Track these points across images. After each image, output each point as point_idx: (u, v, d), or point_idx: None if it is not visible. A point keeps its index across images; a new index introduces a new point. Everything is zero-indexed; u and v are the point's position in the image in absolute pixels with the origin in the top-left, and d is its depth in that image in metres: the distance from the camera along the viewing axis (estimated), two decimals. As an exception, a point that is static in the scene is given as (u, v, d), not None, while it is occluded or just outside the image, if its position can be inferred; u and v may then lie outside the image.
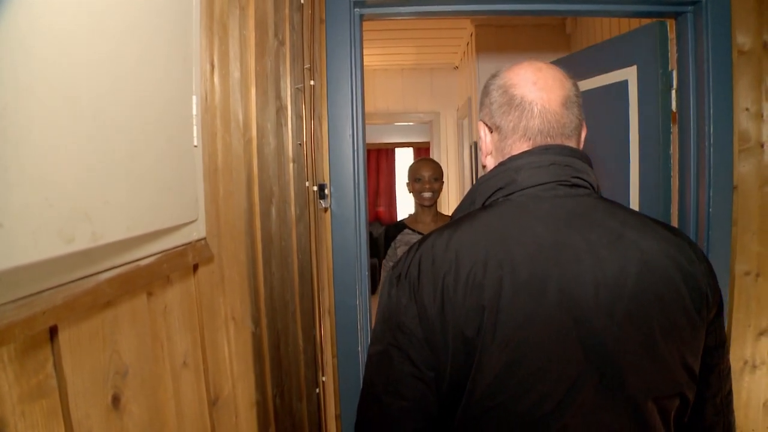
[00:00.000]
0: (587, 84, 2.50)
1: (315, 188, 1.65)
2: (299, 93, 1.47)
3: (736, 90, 1.85)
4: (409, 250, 0.88)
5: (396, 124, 6.76)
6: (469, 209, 0.94)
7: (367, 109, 5.36)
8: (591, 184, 0.90)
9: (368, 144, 7.52)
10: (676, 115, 2.02)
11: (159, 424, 0.64)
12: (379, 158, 8.68)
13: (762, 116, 1.88)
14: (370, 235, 7.74)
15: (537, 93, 0.90)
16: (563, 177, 0.88)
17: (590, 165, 0.93)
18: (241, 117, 1.00)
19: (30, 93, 0.40)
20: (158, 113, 0.62)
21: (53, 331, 0.47)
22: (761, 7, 1.85)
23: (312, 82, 1.63)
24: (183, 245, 0.71)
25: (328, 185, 1.79)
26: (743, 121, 1.87)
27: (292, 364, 1.31)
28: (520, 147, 0.92)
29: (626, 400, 0.78)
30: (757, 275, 1.91)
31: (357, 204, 1.84)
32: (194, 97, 0.72)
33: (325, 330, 1.79)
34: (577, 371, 0.77)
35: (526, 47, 3.82)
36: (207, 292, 0.81)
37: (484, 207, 0.91)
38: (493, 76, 0.98)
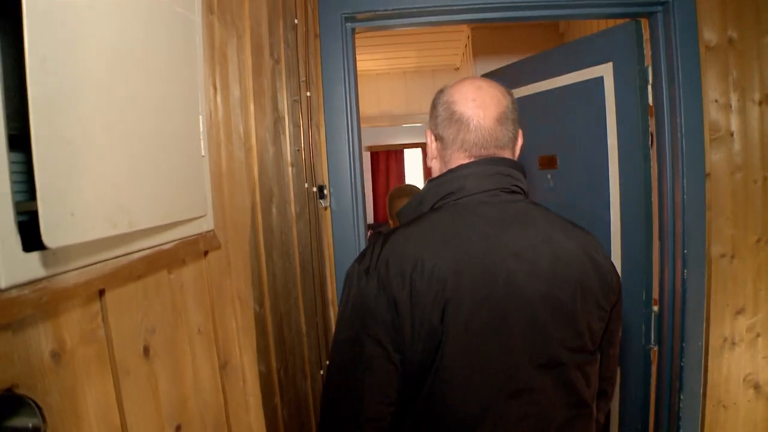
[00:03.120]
0: (564, 80, 2.61)
1: (315, 189, 1.83)
2: (296, 104, 1.65)
3: (705, 83, 1.99)
4: (374, 246, 0.99)
5: (402, 126, 6.93)
6: (417, 210, 1.10)
7: (371, 112, 5.54)
8: (524, 191, 1.09)
9: (376, 146, 7.64)
10: (653, 108, 2.16)
11: (179, 374, 0.82)
12: (389, 159, 8.85)
13: (730, 107, 2.02)
14: (379, 234, 7.85)
15: (474, 110, 1.05)
16: (505, 185, 1.05)
17: (524, 174, 1.10)
18: (242, 129, 1.17)
19: (89, 127, 0.58)
20: (173, 131, 0.80)
21: (101, 293, 0.65)
22: (725, 5, 1.99)
23: (308, 94, 1.80)
24: (195, 235, 0.88)
25: (327, 186, 1.96)
26: (713, 112, 2.01)
27: (296, 345, 1.48)
28: (459, 156, 1.08)
29: (554, 359, 0.97)
30: (732, 257, 2.04)
31: (354, 202, 2.01)
32: (200, 116, 0.90)
33: (329, 319, 1.96)
34: (522, 344, 0.95)
35: (521, 46, 3.96)
36: (216, 275, 0.99)
37: (434, 209, 1.05)
38: (441, 91, 1.13)
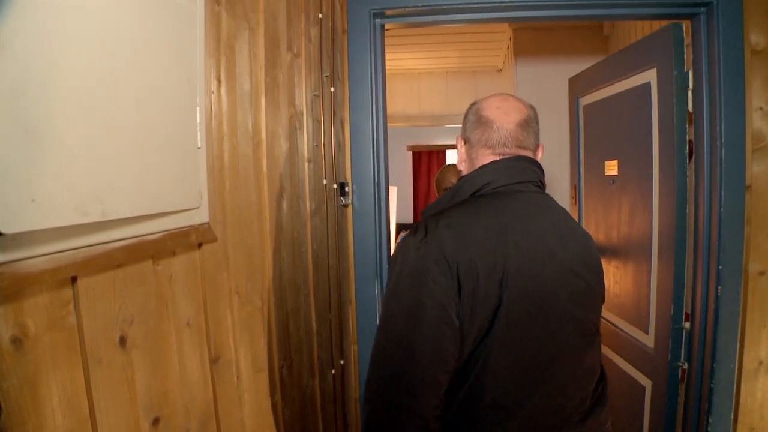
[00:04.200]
0: (614, 88, 2.55)
1: (335, 186, 1.82)
2: (317, 99, 1.64)
3: (749, 90, 1.87)
4: (427, 222, 1.07)
5: (445, 126, 6.87)
6: (452, 201, 1.19)
7: (411, 111, 5.51)
8: (544, 185, 1.24)
9: (419, 146, 7.56)
10: (692, 115, 2.05)
11: (161, 366, 0.82)
12: (431, 160, 8.81)
13: (777, 115, 1.89)
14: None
15: (498, 114, 1.23)
16: (533, 178, 1.20)
17: (543, 172, 1.25)
18: (250, 123, 1.17)
19: (60, 115, 0.58)
20: (163, 123, 0.80)
21: (74, 281, 0.65)
22: (776, 7, 1.86)
23: (332, 89, 1.79)
24: (186, 227, 0.88)
25: (349, 183, 1.95)
26: (757, 121, 1.88)
27: (304, 343, 1.47)
28: (484, 153, 1.22)
29: (584, 327, 1.11)
30: (773, 275, 1.91)
31: (377, 201, 1.99)
32: (198, 108, 0.90)
33: (347, 317, 1.94)
34: (563, 312, 1.07)
35: (563, 49, 3.84)
36: (211, 268, 0.98)
37: (475, 195, 1.17)
38: (472, 104, 1.30)
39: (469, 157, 1.25)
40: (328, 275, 1.72)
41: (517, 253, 1.03)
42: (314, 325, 1.58)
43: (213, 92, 0.99)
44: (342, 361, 1.88)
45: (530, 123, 1.25)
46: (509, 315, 1.00)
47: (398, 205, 7.87)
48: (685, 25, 2.05)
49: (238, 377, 1.08)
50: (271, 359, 1.24)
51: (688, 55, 2.05)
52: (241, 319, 1.11)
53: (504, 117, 1.22)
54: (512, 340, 1.01)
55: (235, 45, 1.08)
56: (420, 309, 0.97)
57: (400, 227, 7.57)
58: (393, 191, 5.02)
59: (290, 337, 1.36)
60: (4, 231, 0.51)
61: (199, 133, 0.91)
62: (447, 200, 1.19)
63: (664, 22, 2.25)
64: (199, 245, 0.94)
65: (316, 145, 1.63)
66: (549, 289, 1.05)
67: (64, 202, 0.59)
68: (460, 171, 1.29)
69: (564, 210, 1.19)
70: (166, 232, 0.82)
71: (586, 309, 1.11)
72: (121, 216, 0.70)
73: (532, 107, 1.29)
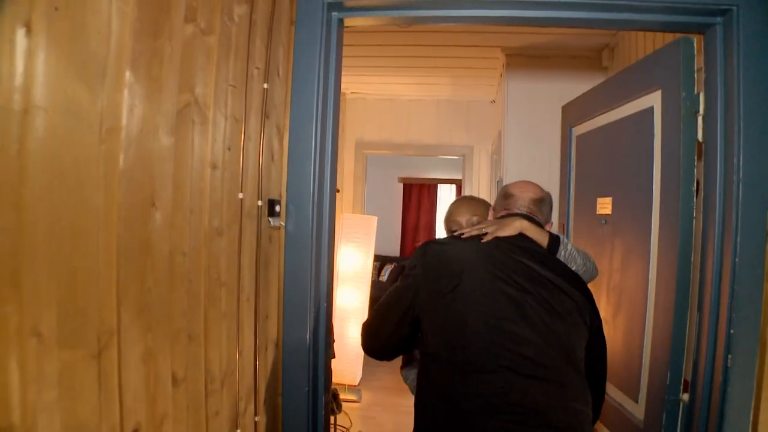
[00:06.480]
0: (612, 115, 2.24)
1: (260, 203, 1.48)
2: (237, 93, 1.32)
3: (776, 115, 1.55)
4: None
5: (440, 157, 6.57)
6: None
7: (399, 140, 5.24)
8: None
9: (410, 178, 7.31)
10: (702, 146, 1.73)
11: None
12: (421, 194, 8.49)
13: (808, 149, 1.56)
14: (402, 268, 7.44)
15: (518, 191, 1.69)
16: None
17: (538, 223, 1.62)
18: (100, 102, 0.84)
19: None
20: None
21: None
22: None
23: (265, 86, 1.47)
24: None
25: (283, 202, 1.61)
26: (783, 155, 1.55)
27: (181, 399, 1.11)
28: (501, 213, 1.69)
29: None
30: (798, 344, 1.56)
31: (316, 226, 1.64)
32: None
33: (266, 363, 1.57)
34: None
35: (558, 79, 3.57)
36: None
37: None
38: (503, 186, 1.77)
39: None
40: (238, 311, 1.36)
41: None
42: (203, 377, 1.21)
43: (12, 41, 0.66)
44: (257, 417, 1.50)
45: (543, 201, 1.69)
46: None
47: (385, 237, 7.52)
48: (696, 40, 1.75)
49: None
50: (113, 423, 0.87)
51: (699, 76, 1.74)
52: (49, 373, 0.76)
53: (522, 193, 1.67)
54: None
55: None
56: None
57: (383, 260, 7.20)
58: (372, 221, 4.68)
59: (156, 394, 1.00)
60: None
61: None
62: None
63: (669, 38, 1.96)
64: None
65: (229, 149, 1.29)
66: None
67: None
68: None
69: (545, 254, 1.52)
70: None
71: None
72: None
73: (547, 192, 1.73)
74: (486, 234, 1.50)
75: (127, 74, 0.91)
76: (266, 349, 1.57)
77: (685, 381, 1.77)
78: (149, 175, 0.98)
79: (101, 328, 0.86)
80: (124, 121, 0.90)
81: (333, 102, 1.69)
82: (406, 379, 1.78)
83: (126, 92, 0.90)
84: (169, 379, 1.06)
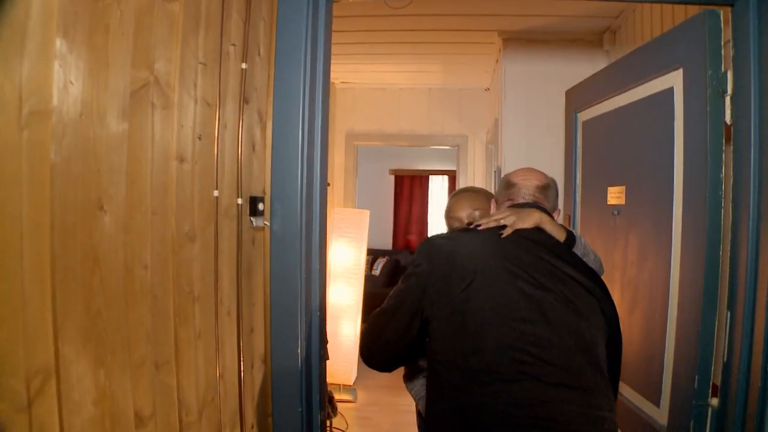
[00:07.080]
0: (623, 99, 2.06)
1: (240, 201, 1.28)
2: (208, 72, 1.12)
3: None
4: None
5: (432, 147, 6.39)
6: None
7: (390, 130, 5.04)
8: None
9: (401, 170, 7.14)
10: (731, 129, 1.56)
11: None
12: (413, 185, 8.31)
13: None
14: (397, 263, 7.23)
15: (520, 180, 1.55)
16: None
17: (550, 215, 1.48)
18: (19, 78, 0.64)
19: None
20: None
21: None
22: None
23: (243, 66, 1.28)
24: None
25: (267, 199, 1.42)
26: (826, 137, 1.39)
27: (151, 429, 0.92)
28: (505, 204, 1.54)
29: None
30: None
31: (306, 225, 1.45)
32: None
33: (252, 382, 1.39)
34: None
35: (558, 64, 3.39)
36: None
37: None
38: (503, 176, 1.63)
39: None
40: (217, 327, 1.17)
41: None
42: (176, 399, 1.02)
43: None
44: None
45: (549, 188, 1.55)
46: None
47: (377, 231, 7.33)
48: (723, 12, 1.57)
49: None
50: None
51: (726, 53, 1.56)
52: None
53: (525, 181, 1.53)
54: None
55: None
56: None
57: (375, 253, 7.03)
58: (365, 215, 4.50)
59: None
60: None
61: None
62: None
63: (691, 12, 1.78)
64: None
65: (200, 138, 1.10)
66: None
67: None
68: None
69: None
70: None
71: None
72: None
73: (552, 178, 1.59)
74: (505, 227, 1.36)
75: (58, 42, 0.71)
76: (252, 367, 1.38)
77: (713, 385, 1.62)
78: (93, 170, 0.79)
79: (31, 370, 0.67)
80: (54, 102, 0.71)
81: (322, 85, 1.50)
82: (410, 391, 1.62)
83: (57, 65, 0.71)
84: (132, 420, 0.87)
